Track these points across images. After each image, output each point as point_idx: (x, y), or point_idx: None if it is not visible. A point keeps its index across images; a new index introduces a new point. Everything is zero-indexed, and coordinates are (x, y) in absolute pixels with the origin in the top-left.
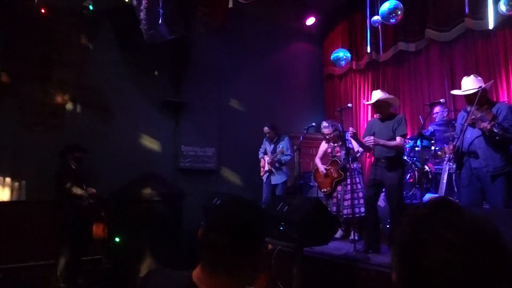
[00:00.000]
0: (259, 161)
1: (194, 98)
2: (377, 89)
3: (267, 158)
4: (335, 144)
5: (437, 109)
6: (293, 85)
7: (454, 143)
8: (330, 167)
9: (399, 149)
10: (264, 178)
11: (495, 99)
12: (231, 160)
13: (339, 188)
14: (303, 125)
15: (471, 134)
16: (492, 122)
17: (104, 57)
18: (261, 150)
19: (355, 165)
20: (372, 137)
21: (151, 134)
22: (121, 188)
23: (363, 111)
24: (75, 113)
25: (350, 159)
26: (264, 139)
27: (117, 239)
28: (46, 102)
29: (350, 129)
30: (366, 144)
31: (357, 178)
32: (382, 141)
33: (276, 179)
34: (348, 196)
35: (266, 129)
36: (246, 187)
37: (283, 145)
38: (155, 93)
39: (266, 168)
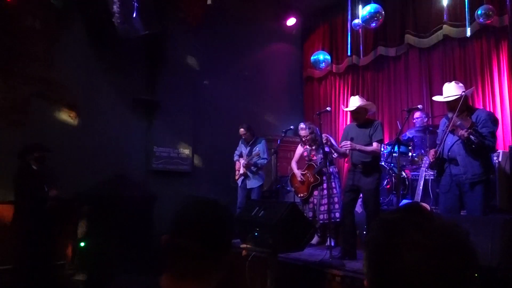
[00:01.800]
0: (235, 164)
1: (168, 97)
2: (356, 94)
3: (242, 161)
4: (311, 148)
5: (417, 114)
6: (271, 86)
7: (436, 149)
8: (306, 171)
9: (376, 155)
10: (239, 181)
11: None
12: (206, 162)
13: (315, 193)
14: (281, 128)
15: (451, 140)
16: (469, 130)
17: (74, 51)
18: (237, 152)
19: (331, 169)
20: (348, 142)
21: (122, 133)
22: (89, 189)
23: (342, 115)
24: (40, 109)
25: (327, 163)
26: (240, 141)
27: (82, 244)
28: (8, 96)
29: (324, 136)
30: (343, 148)
31: (333, 183)
32: (358, 146)
33: (252, 183)
34: (324, 201)
35: (242, 130)
36: (221, 191)
37: (260, 148)
38: (128, 91)
39: (241, 171)
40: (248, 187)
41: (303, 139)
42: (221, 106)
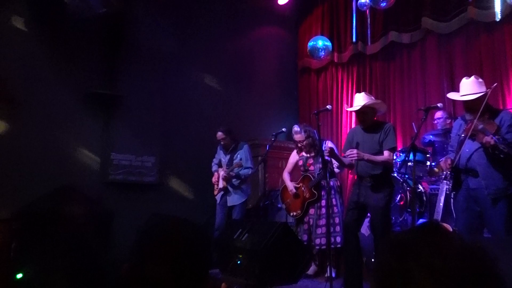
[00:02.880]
0: (212, 175)
1: (131, 91)
2: (362, 89)
3: (221, 172)
4: (308, 155)
5: (438, 114)
6: (259, 79)
7: (452, 157)
8: (301, 184)
9: (388, 165)
10: (218, 197)
11: (501, 105)
12: (177, 172)
13: (311, 211)
14: (270, 130)
15: (470, 147)
16: (497, 136)
17: (12, 33)
18: (215, 161)
19: (332, 183)
20: (355, 151)
21: (71, 136)
22: (29, 205)
23: (345, 116)
24: None
25: (327, 174)
26: (218, 148)
27: (19, 275)
28: None
29: (327, 144)
30: (348, 158)
31: (333, 199)
32: (367, 156)
33: (233, 199)
34: (322, 221)
35: (219, 134)
36: (195, 209)
37: (242, 155)
38: (80, 83)
39: (220, 185)
40: (228, 204)
41: (299, 144)
42: (197, 103)
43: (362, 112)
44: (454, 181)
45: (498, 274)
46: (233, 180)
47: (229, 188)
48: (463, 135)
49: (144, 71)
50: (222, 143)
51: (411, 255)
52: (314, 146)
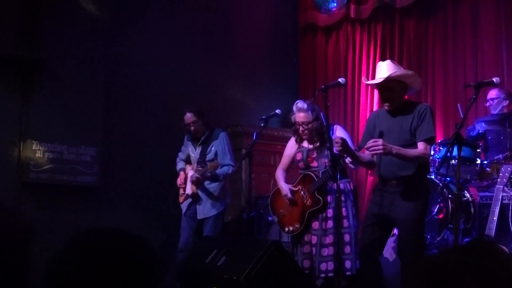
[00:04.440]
0: (177, 175)
1: (60, 55)
2: (388, 57)
3: (190, 172)
4: (311, 146)
5: (493, 93)
6: (243, 43)
7: None
8: (300, 187)
9: (423, 162)
10: (184, 206)
11: None
12: (127, 170)
13: (315, 225)
14: (258, 114)
15: None
16: None
17: None
18: (181, 155)
19: (343, 185)
20: (380, 141)
21: None
22: None
23: (364, 93)
24: None
25: (337, 173)
26: (186, 138)
27: None
28: None
29: (336, 139)
30: (371, 152)
31: (344, 208)
32: (396, 149)
33: (205, 209)
34: (330, 239)
35: (188, 116)
36: (152, 222)
37: (218, 147)
38: None
39: (188, 190)
40: (199, 216)
41: (300, 128)
42: (155, 77)
43: (387, 88)
44: None
45: None
46: (206, 182)
47: (200, 194)
48: None
49: (81, 30)
50: (191, 129)
51: (452, 283)
52: (321, 134)
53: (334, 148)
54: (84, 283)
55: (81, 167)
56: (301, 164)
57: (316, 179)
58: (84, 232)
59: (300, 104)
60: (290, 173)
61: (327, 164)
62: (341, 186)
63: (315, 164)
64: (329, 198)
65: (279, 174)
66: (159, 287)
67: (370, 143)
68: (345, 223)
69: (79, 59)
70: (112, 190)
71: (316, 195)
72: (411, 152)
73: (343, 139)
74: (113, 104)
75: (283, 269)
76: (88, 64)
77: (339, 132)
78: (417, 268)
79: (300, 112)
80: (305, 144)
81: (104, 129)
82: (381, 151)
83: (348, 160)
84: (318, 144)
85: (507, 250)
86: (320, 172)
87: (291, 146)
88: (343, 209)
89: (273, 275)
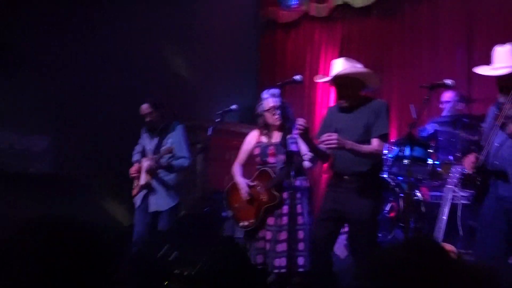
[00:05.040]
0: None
1: (11, 41)
2: (347, 55)
3: (145, 163)
4: (272, 142)
5: (448, 95)
6: (203, 36)
7: (480, 154)
8: (256, 182)
9: (377, 159)
10: (138, 199)
11: None
12: (81, 160)
13: (270, 221)
14: (215, 108)
15: (500, 141)
16: None
17: None
18: (137, 148)
19: (299, 182)
20: (334, 135)
21: None
22: None
23: (321, 90)
24: None
25: (293, 171)
26: (142, 131)
27: None
28: None
29: (299, 121)
30: (324, 147)
31: (299, 205)
32: (350, 143)
33: (159, 202)
34: (284, 235)
35: (145, 107)
36: (108, 212)
37: (174, 139)
38: None
39: (142, 180)
40: (152, 209)
41: (273, 113)
42: (112, 68)
43: (341, 85)
44: (478, 188)
45: None
46: (161, 174)
47: (155, 185)
48: (496, 124)
49: (34, 17)
50: (147, 120)
51: (395, 280)
52: (285, 125)
53: (291, 144)
54: (34, 272)
55: (32, 156)
56: (258, 159)
57: (273, 176)
58: (34, 220)
59: (266, 93)
60: (247, 168)
61: (284, 161)
62: (297, 183)
63: (272, 160)
64: (285, 195)
65: (236, 169)
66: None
67: (324, 136)
68: (300, 220)
69: (32, 45)
70: (66, 180)
71: (273, 191)
72: (365, 147)
73: (306, 127)
74: (68, 95)
75: (236, 264)
76: (42, 51)
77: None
78: (364, 265)
79: (273, 97)
80: (264, 139)
81: (58, 117)
82: (335, 145)
83: (306, 157)
84: (281, 138)
85: (455, 249)
86: (278, 168)
87: (250, 140)
88: (299, 206)
89: (225, 270)
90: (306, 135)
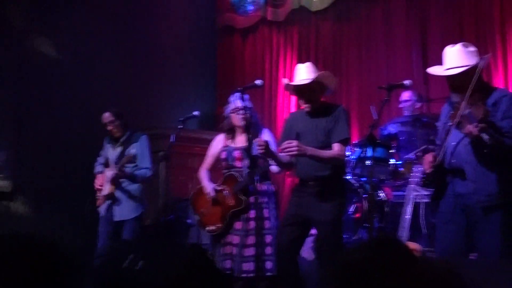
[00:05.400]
0: (95, 179)
1: None
2: (305, 58)
3: (108, 173)
4: (238, 146)
5: (405, 95)
6: (159, 43)
7: (437, 153)
8: (223, 186)
9: (339, 163)
10: (102, 209)
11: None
12: (40, 174)
13: (237, 225)
14: (176, 115)
15: (456, 140)
16: (481, 124)
17: None
18: (100, 160)
19: (266, 187)
20: (294, 143)
21: None
22: None
23: (281, 95)
24: None
25: (256, 175)
26: (105, 141)
27: None
28: None
29: (257, 142)
30: (285, 154)
31: (266, 210)
32: (310, 150)
33: (123, 211)
34: (252, 239)
35: (106, 116)
36: (69, 226)
37: (138, 150)
38: None
39: (105, 190)
40: (116, 218)
41: (239, 114)
42: (70, 77)
43: (309, 89)
44: (437, 186)
45: None
46: (124, 183)
47: (119, 195)
48: (449, 124)
49: None
50: (109, 129)
51: (364, 280)
52: (249, 128)
53: (255, 150)
54: None
55: None
56: (225, 164)
57: (240, 180)
58: None
59: (237, 94)
60: (214, 174)
61: (248, 166)
62: (264, 187)
63: (239, 164)
64: (252, 199)
65: (203, 173)
66: None
67: (284, 144)
68: (267, 224)
69: None
70: (25, 195)
71: (239, 195)
72: (325, 153)
73: (266, 142)
74: (25, 106)
75: (203, 271)
76: None
77: (266, 135)
78: (330, 267)
79: (239, 99)
80: (230, 143)
81: (15, 131)
82: (296, 152)
83: (272, 162)
84: (244, 144)
85: (419, 247)
86: (245, 172)
87: (217, 144)
88: (265, 211)
89: (193, 278)
90: (267, 152)
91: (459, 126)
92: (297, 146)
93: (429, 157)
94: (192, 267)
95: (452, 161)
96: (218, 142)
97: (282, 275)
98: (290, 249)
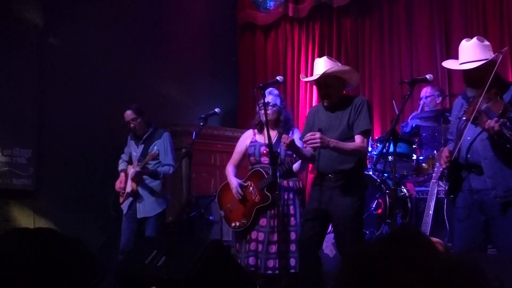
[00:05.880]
0: (118, 177)
1: None
2: (327, 54)
3: (131, 170)
4: (265, 143)
5: (426, 91)
6: (181, 41)
7: (453, 148)
8: (249, 182)
9: (361, 156)
10: (125, 206)
11: (510, 77)
12: (63, 172)
13: (262, 221)
14: (197, 113)
15: (473, 135)
16: (502, 119)
17: None
18: (123, 157)
19: (292, 183)
20: (318, 135)
21: None
22: None
23: (303, 90)
24: None
25: (278, 171)
26: (129, 138)
27: None
28: None
29: (283, 139)
30: (308, 146)
31: (292, 206)
32: (333, 142)
33: (146, 208)
34: (275, 237)
35: (128, 114)
36: (92, 224)
37: (160, 146)
38: None
39: (128, 187)
40: (139, 215)
41: (267, 108)
42: (91, 76)
43: (324, 84)
44: (451, 181)
45: None
46: (148, 180)
47: (141, 191)
48: (464, 118)
49: (13, 28)
50: (131, 126)
51: (378, 272)
52: (279, 122)
53: (280, 144)
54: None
55: (15, 169)
56: (252, 159)
57: (266, 176)
58: (11, 232)
59: (271, 89)
60: (240, 170)
61: (269, 162)
62: (290, 184)
63: (266, 160)
64: (279, 196)
65: (229, 169)
66: None
67: (307, 136)
68: (292, 221)
69: (10, 58)
70: (49, 193)
71: (265, 191)
72: (348, 145)
73: (292, 140)
74: (48, 105)
75: (224, 268)
76: (20, 63)
77: (295, 135)
78: (345, 259)
79: (270, 94)
80: (259, 139)
81: (39, 130)
82: (319, 144)
83: (294, 160)
84: (276, 137)
85: (442, 242)
86: (270, 169)
87: (243, 141)
88: (291, 207)
89: (214, 274)
90: (292, 147)
91: (475, 121)
92: (320, 138)
93: (445, 152)
94: (214, 263)
95: (468, 156)
96: (247, 138)
97: (303, 271)
98: (311, 245)
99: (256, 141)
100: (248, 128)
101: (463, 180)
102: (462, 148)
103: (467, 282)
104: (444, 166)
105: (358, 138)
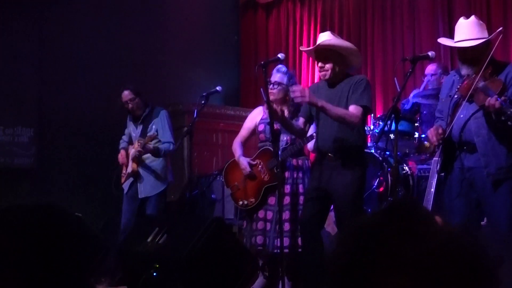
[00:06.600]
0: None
1: None
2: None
3: (132, 150)
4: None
5: (430, 68)
6: (182, 20)
7: (445, 126)
8: (258, 161)
9: (351, 124)
10: (126, 186)
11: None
12: (65, 151)
13: (271, 200)
14: (198, 91)
15: (466, 113)
16: (503, 97)
17: None
18: (124, 138)
19: (301, 162)
20: (307, 91)
21: None
22: None
23: (305, 68)
24: None
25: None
26: (128, 118)
27: None
28: None
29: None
30: (296, 100)
31: (301, 185)
32: (322, 101)
33: (147, 188)
34: (286, 215)
35: (126, 94)
36: (93, 203)
37: (158, 125)
38: None
39: (129, 168)
40: (140, 195)
41: (271, 86)
42: (91, 55)
43: (323, 56)
44: (444, 158)
45: (493, 274)
46: (148, 160)
47: (142, 172)
48: (456, 96)
49: (11, 9)
50: (129, 107)
51: (377, 244)
52: (286, 100)
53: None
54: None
55: (18, 148)
56: (262, 136)
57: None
58: (9, 209)
59: (280, 66)
60: (247, 148)
61: (288, 141)
62: (300, 163)
63: None
64: (287, 174)
65: (236, 146)
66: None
67: (296, 89)
68: (302, 199)
69: (10, 37)
70: (51, 172)
71: (275, 170)
72: (337, 109)
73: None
74: (48, 84)
75: (225, 246)
76: (20, 43)
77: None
78: (343, 232)
79: (278, 72)
80: (266, 114)
81: (40, 109)
82: (307, 99)
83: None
84: (287, 114)
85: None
86: (282, 147)
87: (253, 117)
88: (300, 186)
89: (215, 252)
90: (281, 119)
91: (470, 99)
92: (309, 94)
93: (438, 129)
94: (215, 241)
95: (462, 134)
96: (257, 115)
97: (305, 249)
98: (312, 224)
99: (266, 118)
100: (255, 106)
101: (456, 158)
102: (454, 126)
103: (467, 254)
104: (436, 144)
105: (351, 107)
